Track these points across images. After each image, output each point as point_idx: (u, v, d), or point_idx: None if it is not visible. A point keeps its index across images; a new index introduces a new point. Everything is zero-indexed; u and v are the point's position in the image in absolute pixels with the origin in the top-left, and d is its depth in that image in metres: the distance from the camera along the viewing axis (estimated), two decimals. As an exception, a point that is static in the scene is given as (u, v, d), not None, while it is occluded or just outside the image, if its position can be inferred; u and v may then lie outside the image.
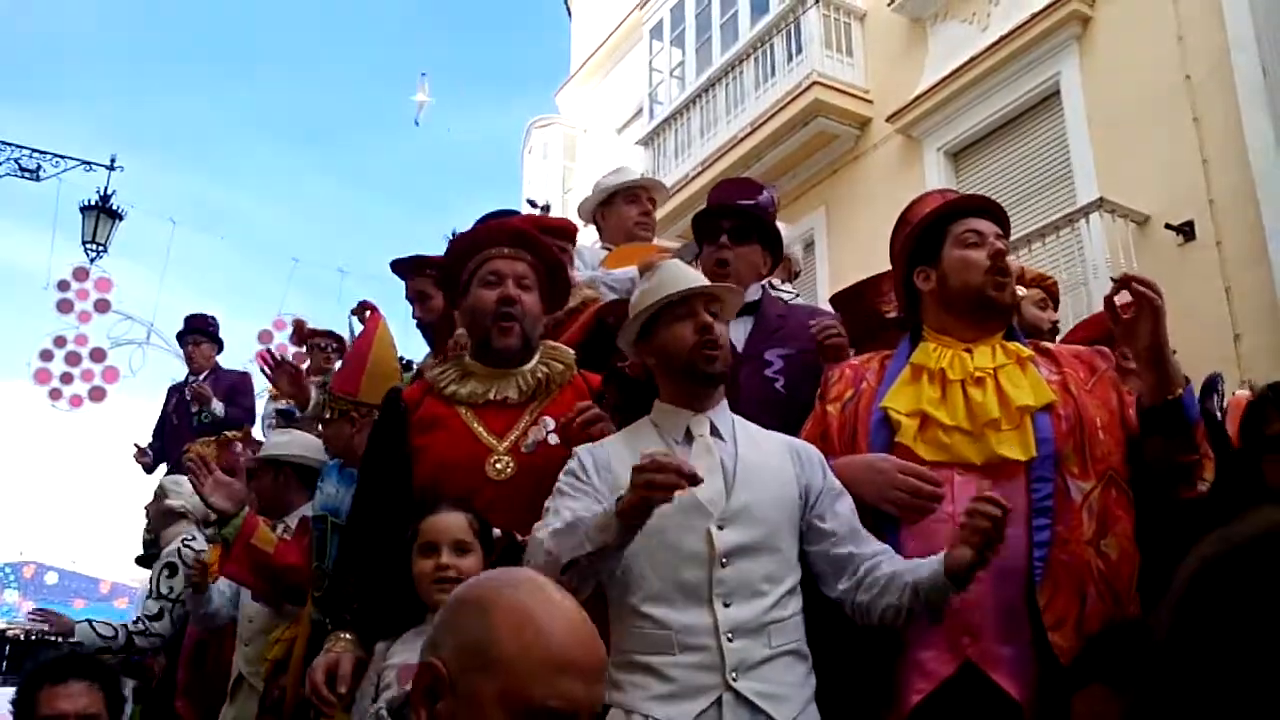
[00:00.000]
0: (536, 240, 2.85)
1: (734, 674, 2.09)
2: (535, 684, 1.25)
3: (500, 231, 2.86)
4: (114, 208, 12.43)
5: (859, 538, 2.30)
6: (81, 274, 12.45)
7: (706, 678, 2.10)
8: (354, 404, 3.53)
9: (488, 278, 2.72)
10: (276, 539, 3.63)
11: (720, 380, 2.39)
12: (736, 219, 3.20)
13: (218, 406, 6.84)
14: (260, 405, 7.20)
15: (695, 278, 2.45)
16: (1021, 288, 3.51)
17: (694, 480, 1.94)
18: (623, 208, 4.29)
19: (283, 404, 5.53)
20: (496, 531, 2.50)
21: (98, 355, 12.55)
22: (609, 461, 2.31)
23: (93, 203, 12.38)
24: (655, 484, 1.92)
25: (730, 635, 2.12)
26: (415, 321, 4.02)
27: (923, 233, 2.60)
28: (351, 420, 3.51)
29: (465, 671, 1.27)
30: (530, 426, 2.66)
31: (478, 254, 2.77)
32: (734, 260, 3.10)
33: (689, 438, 2.33)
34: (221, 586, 4.11)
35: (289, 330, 12.67)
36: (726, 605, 2.14)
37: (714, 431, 2.35)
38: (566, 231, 3.63)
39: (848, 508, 2.33)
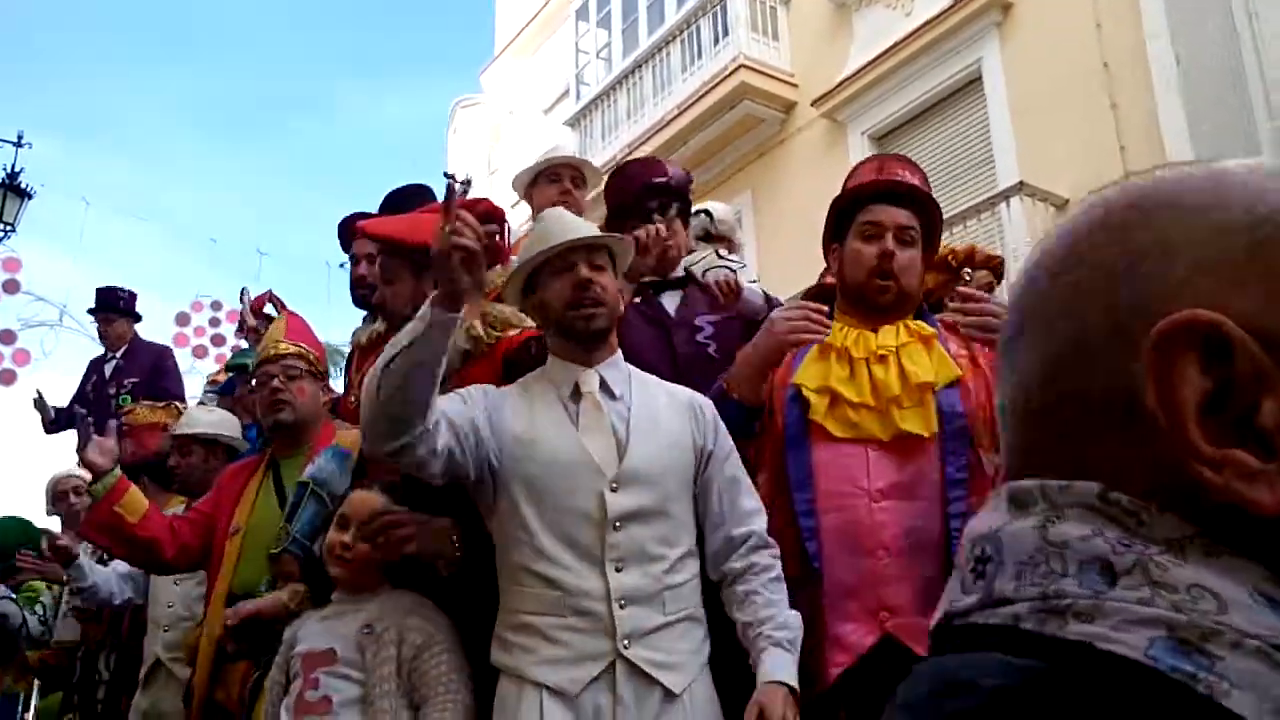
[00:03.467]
0: (381, 234, 2.81)
1: (625, 642, 2.04)
2: None
3: (356, 231, 2.89)
4: (23, 186, 12.00)
5: (737, 513, 2.24)
6: (-14, 253, 12.03)
7: (597, 644, 2.04)
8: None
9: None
10: (146, 508, 3.44)
11: (600, 336, 2.29)
12: (667, 196, 3.19)
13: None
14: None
15: (576, 228, 2.34)
16: (969, 270, 3.56)
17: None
18: (545, 188, 4.22)
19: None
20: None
21: (7, 337, 12.13)
22: (501, 405, 2.23)
23: (-1, 180, 11.96)
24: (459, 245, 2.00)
25: (622, 602, 2.06)
26: None
27: (841, 209, 2.60)
28: (316, 375, 3.43)
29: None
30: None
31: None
32: (675, 235, 3.09)
33: (578, 394, 2.24)
34: (118, 565, 4.00)
35: (206, 312, 12.45)
36: (619, 570, 2.08)
37: (605, 387, 2.26)
38: (492, 215, 3.46)
39: (730, 473, 2.28)
